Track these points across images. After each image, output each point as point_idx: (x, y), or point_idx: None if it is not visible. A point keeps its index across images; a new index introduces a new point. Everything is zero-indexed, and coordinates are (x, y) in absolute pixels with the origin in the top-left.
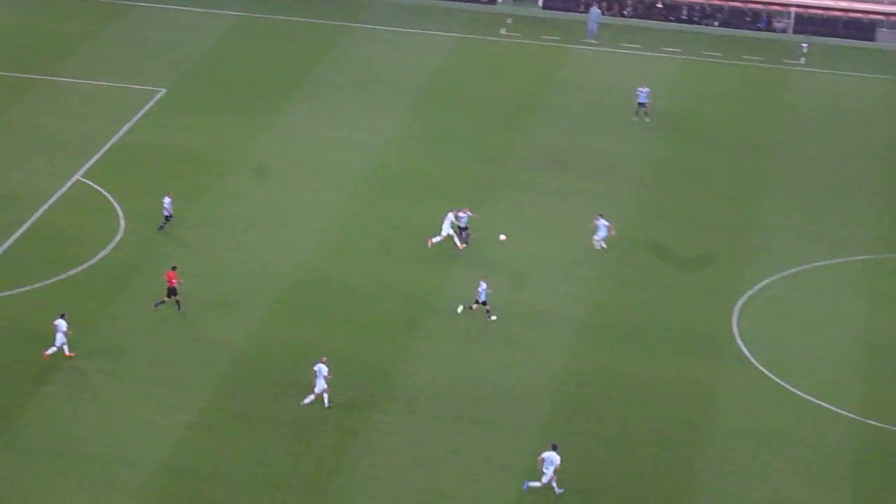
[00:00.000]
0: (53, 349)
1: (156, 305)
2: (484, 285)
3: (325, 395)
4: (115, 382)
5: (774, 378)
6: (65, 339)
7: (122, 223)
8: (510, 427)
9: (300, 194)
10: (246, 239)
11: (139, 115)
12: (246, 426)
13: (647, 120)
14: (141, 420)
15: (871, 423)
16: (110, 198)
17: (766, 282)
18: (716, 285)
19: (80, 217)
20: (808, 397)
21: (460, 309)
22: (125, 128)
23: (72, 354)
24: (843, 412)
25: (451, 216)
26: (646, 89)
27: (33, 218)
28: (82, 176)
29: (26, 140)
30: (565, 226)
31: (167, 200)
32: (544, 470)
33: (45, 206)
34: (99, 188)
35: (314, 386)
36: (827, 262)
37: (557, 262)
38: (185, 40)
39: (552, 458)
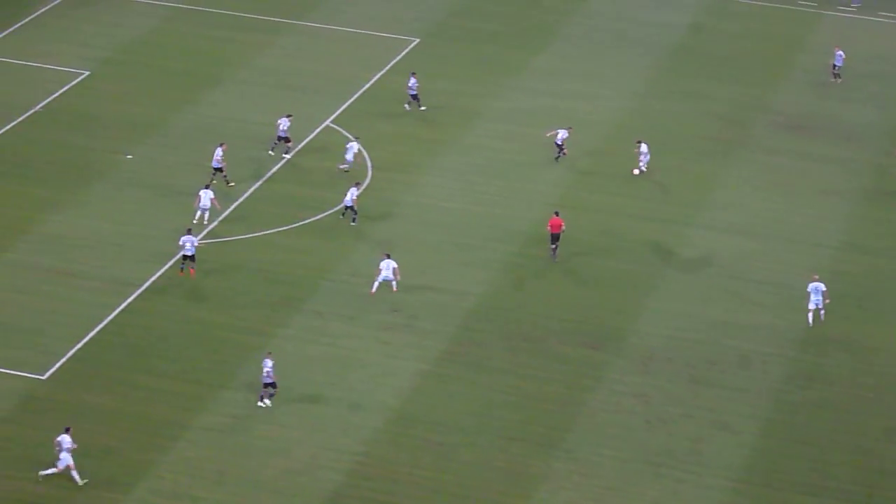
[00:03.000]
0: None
1: (553, 255)
2: None
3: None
4: (352, 328)
5: None
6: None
7: (370, 171)
8: (743, 392)
9: (539, 150)
10: (486, 191)
11: (391, 63)
12: (478, 377)
13: (839, 81)
14: (375, 366)
15: None
16: (358, 144)
17: None
18: None
19: (329, 162)
20: None
21: None
22: (377, 76)
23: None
24: None
25: None
26: (841, 53)
27: (282, 161)
28: (332, 122)
29: (277, 84)
30: (807, 191)
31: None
32: None
33: (296, 150)
34: (348, 134)
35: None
36: None
37: (798, 227)
38: None
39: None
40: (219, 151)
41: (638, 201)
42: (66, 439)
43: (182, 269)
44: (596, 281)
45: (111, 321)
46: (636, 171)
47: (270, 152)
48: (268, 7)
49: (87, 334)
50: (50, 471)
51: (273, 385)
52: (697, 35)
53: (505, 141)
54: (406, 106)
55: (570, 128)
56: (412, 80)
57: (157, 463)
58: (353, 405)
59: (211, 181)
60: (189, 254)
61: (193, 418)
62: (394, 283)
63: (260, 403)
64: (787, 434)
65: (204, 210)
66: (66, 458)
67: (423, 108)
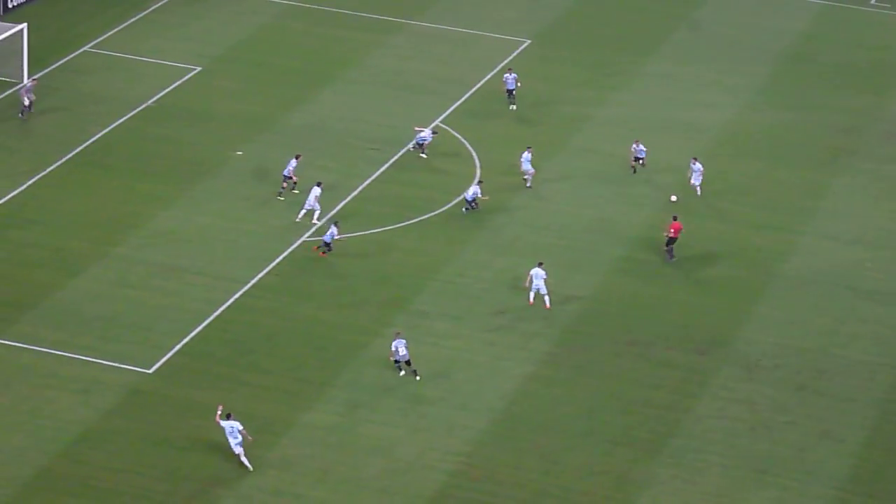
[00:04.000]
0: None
1: (670, 255)
2: None
3: None
4: (458, 329)
5: None
6: None
7: (478, 171)
8: (850, 401)
9: (653, 153)
10: (596, 195)
11: (501, 64)
12: (583, 381)
13: None
14: (481, 367)
15: None
16: (467, 145)
17: None
18: None
19: (437, 162)
20: None
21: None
22: (487, 76)
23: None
24: None
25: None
26: None
27: (392, 160)
28: (442, 121)
29: (388, 83)
30: None
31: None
32: None
33: (404, 150)
34: (457, 134)
35: None
36: None
37: None
38: None
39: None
40: (293, 162)
41: (749, 208)
42: (235, 426)
43: (319, 247)
44: (704, 287)
45: (218, 317)
46: (696, 188)
47: (423, 154)
48: (380, 6)
49: (194, 329)
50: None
51: (408, 362)
52: (810, 42)
53: (615, 145)
54: (513, 106)
55: (638, 141)
56: (510, 77)
57: (261, 459)
58: (458, 406)
59: (284, 188)
60: (327, 241)
61: (298, 416)
62: (546, 297)
63: (417, 378)
64: (892, 444)
65: (310, 208)
66: (235, 445)
67: (513, 106)
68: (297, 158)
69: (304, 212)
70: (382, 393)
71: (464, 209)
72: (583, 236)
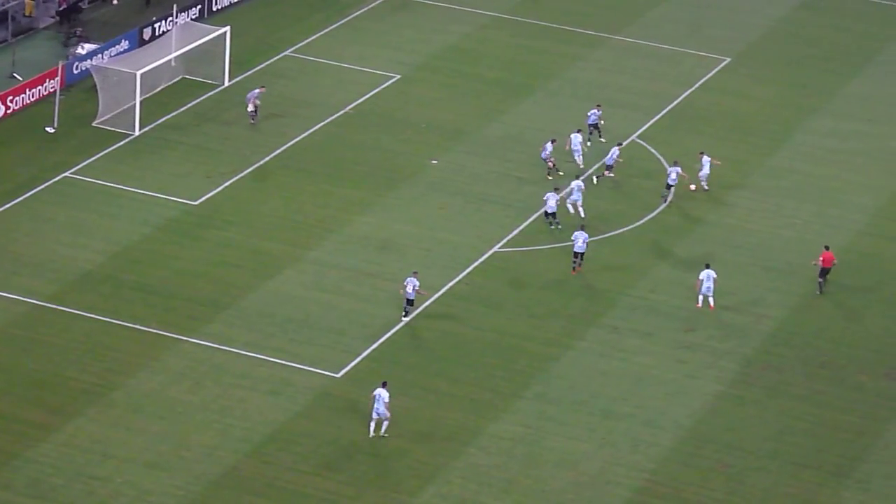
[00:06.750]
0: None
1: (820, 288)
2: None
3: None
4: (648, 345)
5: None
6: None
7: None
8: None
9: (850, 175)
10: (794, 215)
11: (700, 81)
12: (774, 402)
13: None
14: (670, 384)
15: None
16: (662, 161)
17: None
18: None
19: (631, 177)
20: None
21: None
22: (685, 93)
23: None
24: None
25: None
26: None
27: (587, 173)
28: (638, 136)
29: (587, 96)
30: None
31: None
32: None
33: (597, 165)
34: (652, 150)
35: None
36: None
37: None
38: (753, 10)
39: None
40: (548, 146)
41: None
42: (382, 393)
43: (573, 267)
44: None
45: (408, 324)
46: (693, 187)
47: (609, 174)
48: (584, 20)
49: (384, 335)
50: (372, 425)
51: (410, 303)
52: None
53: (814, 164)
54: (587, 142)
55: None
56: (594, 112)
57: (446, 468)
58: (646, 422)
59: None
60: (579, 251)
61: (485, 426)
62: (711, 299)
63: (404, 318)
64: None
65: (573, 202)
66: (380, 412)
67: (602, 139)
68: (552, 142)
69: (571, 209)
70: (571, 406)
71: (551, 226)
72: (778, 256)
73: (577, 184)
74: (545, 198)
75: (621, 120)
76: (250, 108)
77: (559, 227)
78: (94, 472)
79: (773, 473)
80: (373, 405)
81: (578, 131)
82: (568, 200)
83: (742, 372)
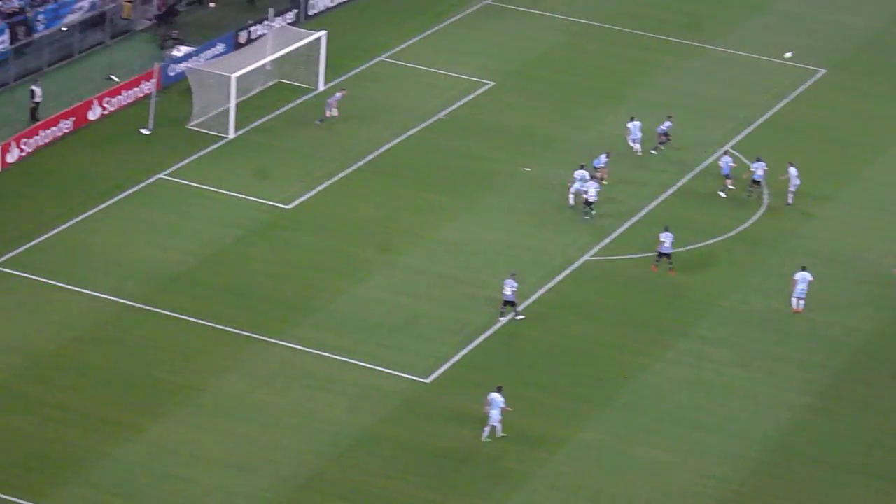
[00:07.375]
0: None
1: None
2: None
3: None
4: (738, 356)
5: None
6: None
7: (766, 198)
8: None
9: None
10: (886, 228)
11: (795, 93)
12: (863, 416)
13: None
14: (759, 396)
15: None
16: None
17: None
18: None
19: (722, 187)
20: None
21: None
22: (780, 104)
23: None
24: None
25: None
26: None
27: (679, 183)
28: (733, 146)
29: (679, 105)
30: None
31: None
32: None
33: (693, 173)
34: (746, 161)
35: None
36: None
37: None
38: (846, 22)
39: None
40: (666, 124)
41: None
42: (497, 398)
43: (655, 264)
44: None
45: (498, 331)
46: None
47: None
48: (679, 30)
49: (473, 342)
50: (487, 430)
51: (512, 304)
52: None
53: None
54: (652, 150)
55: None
56: (666, 125)
57: (533, 475)
58: (734, 433)
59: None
60: (666, 252)
61: (573, 434)
62: (801, 301)
63: (501, 319)
64: None
65: (574, 191)
66: (494, 416)
67: (658, 148)
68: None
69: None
70: (659, 417)
71: (586, 216)
72: (870, 269)
73: (580, 173)
74: (585, 187)
75: (711, 130)
76: (327, 113)
77: (593, 213)
78: (181, 473)
79: (862, 488)
80: (488, 410)
81: (633, 118)
82: (570, 189)
83: (832, 385)
